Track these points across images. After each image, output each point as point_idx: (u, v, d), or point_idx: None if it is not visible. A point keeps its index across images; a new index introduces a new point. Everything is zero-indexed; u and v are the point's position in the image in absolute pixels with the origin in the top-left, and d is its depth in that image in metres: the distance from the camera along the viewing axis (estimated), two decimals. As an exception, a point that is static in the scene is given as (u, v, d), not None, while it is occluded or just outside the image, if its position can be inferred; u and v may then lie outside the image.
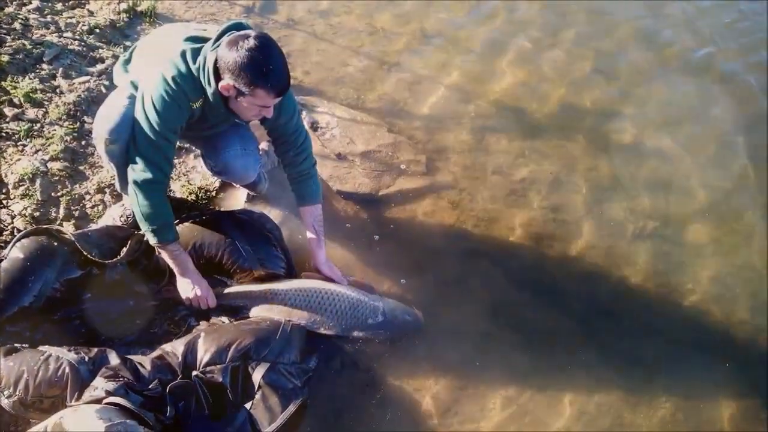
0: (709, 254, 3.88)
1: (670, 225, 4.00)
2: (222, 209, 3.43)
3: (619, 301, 3.56)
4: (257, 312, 2.93)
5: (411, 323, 3.12)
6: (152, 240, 2.74)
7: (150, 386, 2.33)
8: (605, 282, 3.64)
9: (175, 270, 2.87)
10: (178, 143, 2.77)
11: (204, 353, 2.50)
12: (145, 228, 2.72)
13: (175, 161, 3.63)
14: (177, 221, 2.97)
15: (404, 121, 4.39)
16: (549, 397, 3.07)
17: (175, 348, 2.54)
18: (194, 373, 2.46)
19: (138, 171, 2.60)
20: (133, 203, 2.67)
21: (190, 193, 3.49)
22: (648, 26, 5.71)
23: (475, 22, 5.37)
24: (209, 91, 2.53)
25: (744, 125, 4.86)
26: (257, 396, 2.52)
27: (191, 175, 3.64)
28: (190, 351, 2.51)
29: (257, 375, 2.54)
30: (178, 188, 3.51)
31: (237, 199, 3.53)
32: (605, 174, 4.27)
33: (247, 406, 2.47)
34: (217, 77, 2.49)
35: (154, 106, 2.50)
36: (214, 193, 3.57)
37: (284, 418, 2.46)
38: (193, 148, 3.69)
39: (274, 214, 3.34)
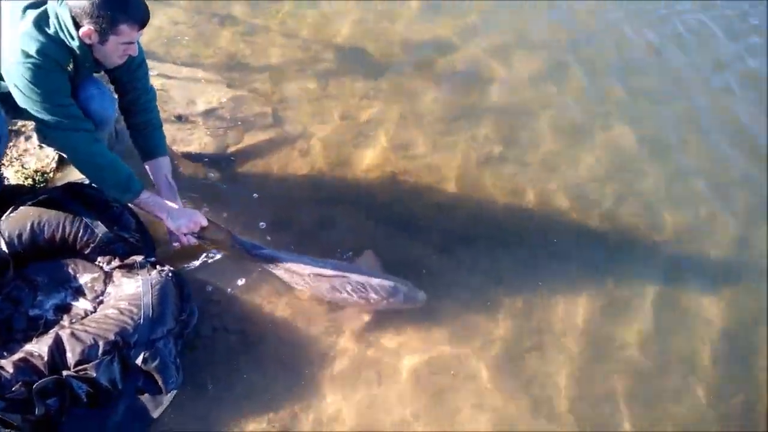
0: (555, 168, 4.10)
1: (514, 147, 4.19)
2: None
3: (474, 225, 3.70)
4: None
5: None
6: (126, 197, 2.78)
7: (13, 389, 2.21)
8: (460, 208, 3.77)
9: (159, 215, 2.86)
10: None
11: (72, 354, 2.39)
12: (115, 192, 2.77)
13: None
14: (10, 210, 2.83)
15: (244, 74, 4.30)
16: (421, 331, 3.17)
17: (40, 349, 2.40)
18: (65, 373, 2.36)
19: (71, 138, 2.63)
20: (89, 167, 2.74)
21: (27, 178, 3.28)
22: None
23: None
24: (74, 45, 2.47)
25: (573, 40, 5.16)
26: (140, 383, 2.49)
27: (24, 158, 3.41)
28: (57, 351, 2.39)
29: (137, 361, 2.48)
30: (11, 174, 3.28)
31: (79, 176, 3.34)
32: (448, 105, 4.40)
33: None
34: (77, 28, 2.43)
35: (33, 85, 2.43)
36: (51, 174, 3.37)
37: (168, 401, 2.46)
38: (24, 128, 3.44)
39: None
